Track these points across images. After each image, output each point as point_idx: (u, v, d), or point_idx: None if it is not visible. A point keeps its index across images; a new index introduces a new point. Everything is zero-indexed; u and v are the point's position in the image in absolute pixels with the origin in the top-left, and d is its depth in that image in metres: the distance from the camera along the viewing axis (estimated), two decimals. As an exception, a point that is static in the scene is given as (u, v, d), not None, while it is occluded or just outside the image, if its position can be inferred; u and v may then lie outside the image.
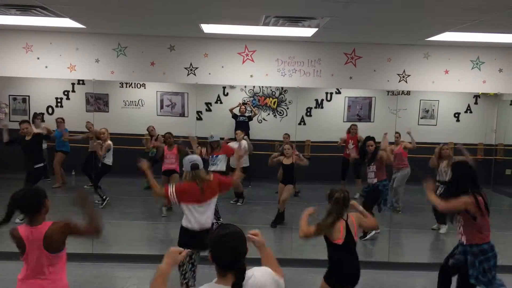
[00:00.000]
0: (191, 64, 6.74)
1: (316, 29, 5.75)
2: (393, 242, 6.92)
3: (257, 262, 2.39)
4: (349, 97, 11.28)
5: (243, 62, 6.74)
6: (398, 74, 6.88)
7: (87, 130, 9.39)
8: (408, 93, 10.84)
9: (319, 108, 11.40)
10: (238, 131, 8.91)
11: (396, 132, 8.75)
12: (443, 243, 7.26)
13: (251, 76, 6.77)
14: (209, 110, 11.27)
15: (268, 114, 11.37)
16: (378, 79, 6.87)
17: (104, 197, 8.32)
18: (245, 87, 11.12)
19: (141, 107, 11.16)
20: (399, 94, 10.56)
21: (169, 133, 8.48)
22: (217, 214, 6.98)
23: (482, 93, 10.60)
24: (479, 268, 4.20)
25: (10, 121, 10.81)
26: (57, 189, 9.20)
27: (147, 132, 9.80)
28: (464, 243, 4.28)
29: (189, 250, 3.23)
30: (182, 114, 11.21)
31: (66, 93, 11.05)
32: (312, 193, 7.92)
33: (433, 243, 7.45)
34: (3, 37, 6.61)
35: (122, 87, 11.08)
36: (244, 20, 5.44)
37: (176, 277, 4.38)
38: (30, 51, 6.64)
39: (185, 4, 4.72)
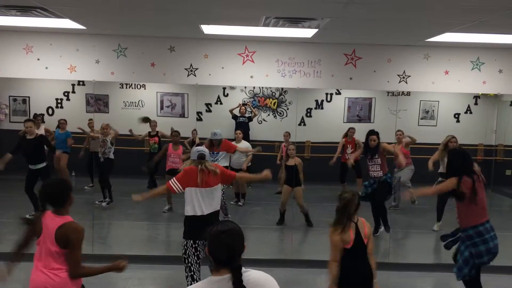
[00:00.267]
0: (191, 65, 6.75)
1: (316, 30, 5.75)
2: (394, 242, 6.92)
3: (256, 263, 2.38)
4: (349, 98, 11.29)
5: (243, 63, 6.74)
6: (398, 75, 6.88)
7: (89, 128, 9.39)
8: (408, 93, 10.85)
9: (319, 108, 11.41)
10: (238, 131, 8.90)
11: (398, 130, 8.59)
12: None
13: (251, 77, 6.78)
14: (209, 111, 11.27)
15: (268, 115, 11.37)
16: (378, 79, 6.88)
17: (106, 198, 8.33)
18: (245, 88, 11.13)
19: (141, 108, 11.17)
20: (399, 94, 10.57)
21: (177, 131, 8.44)
22: (225, 211, 7.01)
23: (482, 94, 10.61)
24: (464, 251, 4.38)
25: (10, 122, 10.84)
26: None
27: (142, 130, 9.76)
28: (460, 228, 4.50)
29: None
30: (182, 115, 11.22)
31: (66, 94, 11.06)
32: (312, 194, 7.93)
33: (435, 244, 7.45)
34: (3, 38, 6.61)
35: (122, 88, 11.09)
36: (244, 21, 5.44)
37: (177, 277, 4.38)
38: (30, 52, 6.65)
39: (185, 5, 4.72)
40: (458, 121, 11.38)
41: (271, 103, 11.38)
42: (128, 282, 5.47)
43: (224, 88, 11.16)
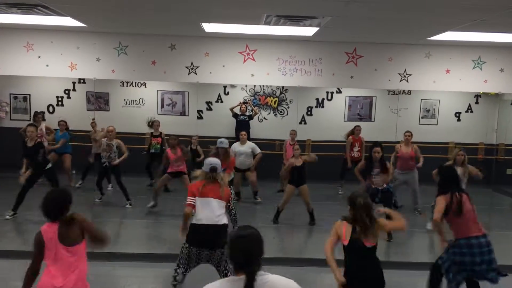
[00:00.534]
0: (192, 63, 6.75)
1: (317, 28, 5.75)
2: (395, 241, 6.92)
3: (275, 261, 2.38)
4: (350, 96, 11.27)
5: (244, 61, 6.74)
6: (400, 74, 6.88)
7: (91, 128, 9.38)
8: (409, 92, 10.84)
9: (320, 107, 11.39)
10: (243, 132, 8.84)
11: (407, 131, 8.24)
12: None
13: (252, 75, 6.78)
14: (209, 109, 11.26)
15: (269, 113, 11.36)
16: (379, 78, 6.88)
17: (129, 199, 8.36)
18: (246, 86, 11.10)
19: (142, 106, 11.15)
20: (400, 93, 10.56)
21: (175, 135, 8.39)
22: (233, 223, 6.98)
23: (483, 93, 10.59)
24: (449, 256, 4.43)
25: (11, 119, 10.83)
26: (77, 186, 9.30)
27: (148, 130, 9.75)
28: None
29: None
30: (183, 113, 11.20)
31: (67, 91, 11.05)
32: (313, 192, 7.90)
33: (436, 243, 7.44)
34: (4, 36, 6.62)
35: (123, 86, 11.08)
36: (245, 19, 5.44)
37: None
38: (31, 50, 6.65)
39: (186, 4, 4.72)
40: (459, 120, 11.36)
41: (271, 101, 11.36)
42: (128, 280, 5.47)
43: (225, 87, 11.14)
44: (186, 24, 5.89)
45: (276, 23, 5.52)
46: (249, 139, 9.67)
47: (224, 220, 4.49)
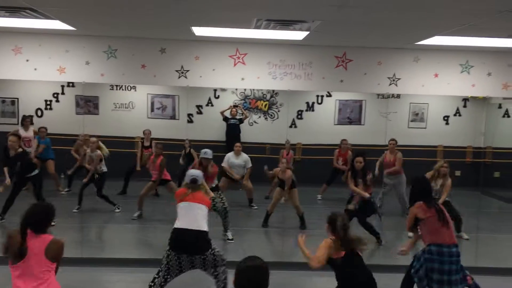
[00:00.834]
0: (182, 66, 6.73)
1: (307, 32, 5.77)
2: (384, 245, 6.94)
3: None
4: (340, 100, 11.32)
5: (235, 65, 6.75)
6: (389, 78, 6.93)
7: (79, 132, 9.29)
8: (398, 96, 10.92)
9: (310, 111, 11.43)
10: (238, 144, 8.79)
11: (392, 139, 8.38)
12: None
13: (243, 79, 6.78)
14: (200, 113, 11.24)
15: (259, 117, 11.37)
16: (369, 82, 6.92)
17: (116, 204, 8.26)
18: (236, 89, 11.11)
19: (132, 109, 11.10)
20: (389, 97, 10.64)
21: (161, 143, 8.31)
22: (225, 227, 6.95)
23: (471, 97, 10.71)
24: (421, 263, 4.47)
25: (-2, 123, 10.72)
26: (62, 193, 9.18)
27: (139, 136, 9.64)
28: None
29: None
30: (173, 117, 11.17)
31: (55, 95, 10.96)
32: (303, 196, 7.92)
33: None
34: (-9, 39, 6.56)
35: (113, 89, 11.02)
36: (236, 23, 5.45)
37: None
38: (19, 53, 6.59)
39: (176, 7, 4.71)
40: (447, 123, 11.47)
41: (262, 105, 11.38)
42: (116, 285, 5.42)
43: (215, 90, 11.14)
44: (176, 28, 5.88)
45: (266, 27, 5.54)
46: (239, 143, 9.66)
47: (205, 226, 4.45)
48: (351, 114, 11.42)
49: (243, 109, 10.96)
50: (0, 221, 7.15)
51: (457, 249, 4.45)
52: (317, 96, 11.34)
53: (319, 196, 9.85)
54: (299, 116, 11.41)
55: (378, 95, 10.78)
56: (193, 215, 4.47)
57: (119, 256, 6.19)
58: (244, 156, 8.69)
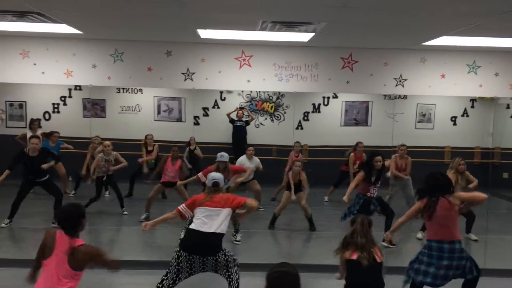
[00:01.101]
0: (188, 69, 6.74)
1: (313, 34, 5.77)
2: (399, 245, 6.91)
3: (256, 267, 2.37)
4: (346, 101, 11.30)
5: (240, 67, 6.75)
6: (395, 79, 6.90)
7: (87, 135, 9.31)
8: (405, 97, 10.87)
9: (316, 112, 11.41)
10: (250, 148, 8.82)
11: (403, 145, 8.30)
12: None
13: (248, 81, 6.78)
14: (206, 115, 11.26)
15: (265, 118, 11.37)
16: (375, 83, 6.89)
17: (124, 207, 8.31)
18: (242, 92, 11.12)
19: (138, 112, 11.15)
20: (396, 98, 10.59)
21: (176, 146, 8.39)
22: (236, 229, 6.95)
23: (478, 97, 10.64)
24: (418, 256, 4.50)
25: (6, 127, 10.80)
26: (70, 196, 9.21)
27: (143, 140, 9.66)
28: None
29: None
30: (179, 119, 11.20)
31: (63, 98, 11.03)
32: (309, 198, 7.89)
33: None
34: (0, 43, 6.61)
35: (119, 92, 11.07)
36: (241, 25, 5.45)
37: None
38: (27, 57, 6.64)
39: (182, 10, 4.72)
40: (455, 124, 11.40)
41: (268, 107, 11.38)
42: (125, 288, 5.44)
43: (221, 92, 11.16)
44: (182, 31, 5.90)
45: (272, 29, 5.54)
46: (246, 144, 9.68)
47: (220, 229, 4.42)
48: (357, 116, 11.38)
49: (249, 111, 10.97)
50: (8, 224, 7.20)
51: (460, 245, 4.42)
52: (323, 97, 11.32)
53: (326, 198, 9.83)
54: (306, 118, 11.40)
55: (385, 96, 10.74)
56: (210, 219, 4.42)
57: (127, 259, 6.21)
58: (256, 160, 8.73)
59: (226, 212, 4.48)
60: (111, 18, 5.36)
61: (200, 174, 6.78)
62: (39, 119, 10.57)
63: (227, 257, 4.48)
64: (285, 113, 11.33)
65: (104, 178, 8.11)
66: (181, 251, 4.37)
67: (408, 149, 8.89)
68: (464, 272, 4.44)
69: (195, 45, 6.69)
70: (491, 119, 10.99)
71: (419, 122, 11.35)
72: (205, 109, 11.24)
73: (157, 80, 6.77)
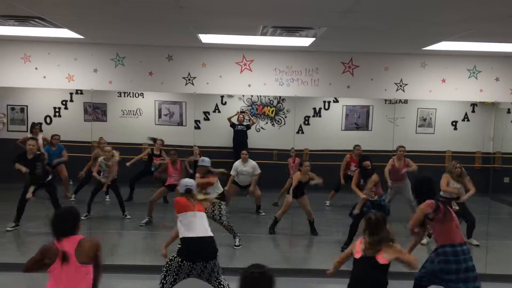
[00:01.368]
0: (189, 73, 6.76)
1: (313, 38, 5.78)
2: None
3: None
4: (347, 105, 11.31)
5: (241, 71, 6.76)
6: (396, 83, 6.90)
7: (88, 139, 9.32)
8: (406, 101, 10.87)
9: (317, 116, 11.42)
10: (244, 152, 8.85)
11: (402, 146, 8.43)
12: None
13: (249, 85, 6.79)
14: (207, 119, 11.28)
15: (266, 123, 11.38)
16: (376, 88, 6.90)
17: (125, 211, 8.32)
18: (243, 96, 11.14)
19: (139, 116, 11.17)
20: (396, 102, 10.60)
21: (174, 150, 8.46)
22: (233, 233, 6.94)
23: (479, 102, 10.64)
24: (436, 265, 4.42)
25: (8, 131, 10.82)
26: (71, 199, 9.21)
27: (148, 142, 9.64)
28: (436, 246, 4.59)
29: None
30: (180, 123, 11.22)
31: (64, 102, 11.06)
32: (310, 202, 7.89)
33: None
34: (1, 48, 6.63)
35: (120, 96, 11.10)
36: (242, 30, 5.47)
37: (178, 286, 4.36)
38: (28, 62, 6.65)
39: (183, 15, 4.74)
40: (455, 128, 11.40)
41: (269, 111, 11.40)
42: (126, 292, 5.43)
43: (222, 97, 11.17)
44: (183, 35, 5.91)
45: (273, 34, 5.55)
46: (247, 148, 9.67)
47: (211, 232, 4.60)
48: (358, 120, 11.40)
49: (250, 115, 10.98)
50: (14, 227, 7.22)
51: (467, 246, 4.48)
52: (324, 102, 11.33)
53: (327, 203, 9.82)
54: (306, 122, 11.41)
55: (386, 100, 10.75)
56: (202, 223, 4.55)
57: (127, 263, 6.21)
58: (252, 163, 8.72)
59: (204, 214, 4.69)
60: (112, 23, 5.38)
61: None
62: (40, 123, 10.61)
63: (218, 262, 4.57)
64: (285, 117, 11.34)
65: (110, 183, 8.10)
66: (184, 261, 4.39)
67: (409, 153, 8.90)
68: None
69: (196, 50, 6.71)
70: (492, 123, 10.99)
71: (419, 126, 11.35)
72: (206, 113, 11.26)
73: (158, 85, 6.78)
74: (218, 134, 10.89)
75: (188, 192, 4.73)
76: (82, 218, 7.92)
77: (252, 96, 11.16)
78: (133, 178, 9.40)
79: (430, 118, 11.32)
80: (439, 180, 7.06)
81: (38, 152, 7.29)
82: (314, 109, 11.37)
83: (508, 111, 11.18)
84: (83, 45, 6.66)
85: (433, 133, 11.30)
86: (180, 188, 4.82)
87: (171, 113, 11.21)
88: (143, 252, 6.97)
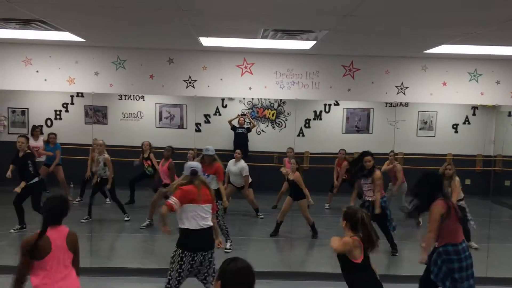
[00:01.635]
0: (190, 76, 6.77)
1: (314, 42, 5.78)
2: (402, 254, 6.89)
3: (256, 275, 2.36)
4: (347, 108, 11.31)
5: (242, 74, 6.77)
6: (396, 86, 6.91)
7: (89, 142, 9.34)
8: (407, 104, 10.89)
9: (317, 119, 11.43)
10: (238, 151, 8.85)
11: (391, 151, 8.65)
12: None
13: (250, 88, 6.80)
14: (208, 122, 11.29)
15: (267, 125, 11.39)
16: (377, 91, 6.90)
17: (126, 213, 8.30)
18: (244, 99, 11.15)
19: (140, 119, 11.18)
20: (397, 105, 10.61)
21: (169, 146, 8.37)
22: (226, 235, 6.91)
23: (480, 105, 10.64)
24: (440, 266, 4.39)
25: (8, 133, 10.83)
26: (74, 203, 9.15)
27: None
28: (436, 245, 4.50)
29: None
30: (181, 126, 11.22)
31: (65, 105, 11.07)
32: (312, 205, 7.89)
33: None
34: (2, 51, 6.64)
35: (121, 99, 11.11)
36: (243, 33, 5.47)
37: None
38: (30, 64, 6.66)
39: (184, 18, 4.75)
40: (456, 131, 11.40)
41: (269, 114, 11.41)
42: (126, 295, 5.43)
43: (222, 100, 11.19)
44: (184, 38, 5.92)
45: (273, 37, 5.55)
46: (247, 151, 9.68)
47: (210, 222, 4.58)
48: (359, 123, 11.40)
49: (250, 118, 10.99)
50: (20, 229, 7.24)
51: (465, 243, 4.49)
52: (325, 104, 11.34)
53: (326, 206, 9.82)
54: (307, 125, 11.41)
55: (386, 103, 10.76)
56: (203, 215, 4.50)
57: (127, 266, 6.20)
58: (241, 164, 8.68)
59: (209, 207, 4.58)
60: (113, 26, 5.38)
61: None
62: (41, 126, 10.62)
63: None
64: (286, 120, 11.34)
65: (98, 180, 8.06)
66: (185, 252, 4.39)
67: (410, 156, 8.92)
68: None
69: (197, 53, 6.72)
70: (493, 126, 10.99)
71: (420, 129, 11.35)
72: (206, 116, 11.27)
73: (159, 87, 6.79)
74: (219, 137, 10.89)
75: (194, 174, 4.54)
76: (82, 220, 7.95)
77: (252, 99, 11.18)
78: (132, 179, 9.40)
79: (431, 121, 11.32)
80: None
81: (28, 151, 7.21)
82: (315, 112, 11.37)
83: (509, 114, 11.18)
84: (84, 48, 6.67)
85: (434, 136, 11.30)
86: (185, 170, 4.60)
87: (172, 116, 11.22)
88: (143, 255, 6.97)
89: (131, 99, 11.14)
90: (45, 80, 6.69)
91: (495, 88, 6.90)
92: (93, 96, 7.18)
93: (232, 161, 8.79)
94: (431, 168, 8.49)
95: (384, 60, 6.84)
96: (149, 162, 9.18)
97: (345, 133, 11.30)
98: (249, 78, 6.77)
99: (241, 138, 10.53)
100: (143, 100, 11.14)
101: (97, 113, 10.98)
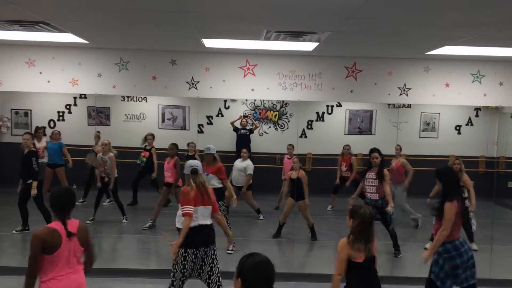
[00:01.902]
0: (192, 78, 6.78)
1: (317, 43, 5.78)
2: (405, 255, 6.87)
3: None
4: (350, 110, 11.30)
5: (244, 76, 6.77)
6: (399, 88, 6.90)
7: (92, 143, 9.38)
8: (409, 105, 10.87)
9: (320, 121, 11.42)
10: (244, 150, 8.89)
11: (398, 145, 8.62)
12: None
13: (252, 89, 6.80)
14: (210, 123, 11.29)
15: (269, 127, 11.39)
16: (379, 92, 6.90)
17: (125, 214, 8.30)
18: (246, 100, 11.16)
19: (143, 120, 11.19)
20: (400, 107, 10.59)
21: (174, 144, 8.33)
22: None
23: (483, 106, 10.62)
24: (442, 266, 4.39)
25: (12, 135, 10.86)
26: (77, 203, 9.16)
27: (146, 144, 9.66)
28: None
29: None
30: (184, 127, 11.24)
31: (68, 107, 11.10)
32: (314, 206, 7.89)
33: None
34: (6, 52, 6.66)
35: (124, 100, 11.13)
36: (245, 34, 5.48)
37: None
38: (33, 66, 6.69)
39: (187, 20, 4.76)
40: (459, 133, 11.37)
41: (272, 115, 11.40)
42: (129, 297, 5.43)
43: (225, 101, 11.20)
44: (186, 40, 5.94)
45: (276, 39, 5.56)
46: (250, 153, 9.67)
47: (210, 220, 4.66)
48: (361, 124, 11.39)
49: (253, 120, 10.99)
50: (23, 231, 7.25)
51: (462, 237, 4.51)
52: (327, 106, 11.33)
53: (329, 207, 9.81)
54: (309, 126, 11.41)
55: (389, 104, 10.75)
56: (204, 215, 4.58)
57: (130, 267, 6.21)
58: (247, 162, 8.77)
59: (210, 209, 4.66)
60: (116, 28, 5.40)
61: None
62: (44, 127, 10.64)
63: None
64: (289, 121, 11.34)
65: (106, 180, 8.04)
66: (188, 250, 4.42)
67: (412, 157, 8.91)
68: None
69: (199, 54, 6.73)
70: (496, 128, 10.96)
71: (423, 131, 11.33)
72: (209, 117, 11.27)
73: (162, 89, 6.81)
74: (221, 138, 10.89)
75: (194, 172, 4.58)
76: (88, 221, 7.97)
77: (255, 100, 11.18)
78: (135, 181, 9.41)
79: (434, 122, 11.30)
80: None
81: (33, 148, 7.17)
82: (317, 113, 11.37)
83: (512, 116, 11.17)
84: (87, 50, 6.69)
85: (437, 138, 11.28)
86: (185, 169, 4.63)
87: (174, 117, 11.23)
88: (146, 256, 6.97)
89: (133, 101, 11.15)
90: (48, 81, 6.72)
91: (498, 90, 6.89)
92: (96, 98, 7.21)
93: (239, 159, 8.89)
94: (433, 170, 8.50)
95: (387, 61, 6.84)
96: (146, 153, 9.16)
97: (348, 134, 11.28)
98: (251, 80, 6.78)
99: (243, 140, 10.53)
100: (146, 101, 11.16)
101: (100, 115, 11.00)
